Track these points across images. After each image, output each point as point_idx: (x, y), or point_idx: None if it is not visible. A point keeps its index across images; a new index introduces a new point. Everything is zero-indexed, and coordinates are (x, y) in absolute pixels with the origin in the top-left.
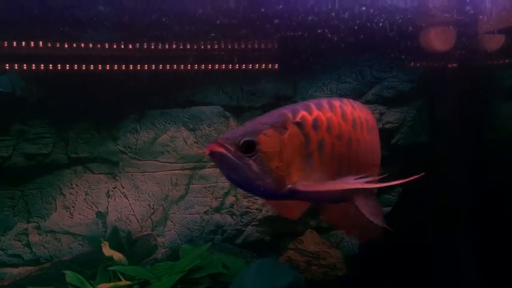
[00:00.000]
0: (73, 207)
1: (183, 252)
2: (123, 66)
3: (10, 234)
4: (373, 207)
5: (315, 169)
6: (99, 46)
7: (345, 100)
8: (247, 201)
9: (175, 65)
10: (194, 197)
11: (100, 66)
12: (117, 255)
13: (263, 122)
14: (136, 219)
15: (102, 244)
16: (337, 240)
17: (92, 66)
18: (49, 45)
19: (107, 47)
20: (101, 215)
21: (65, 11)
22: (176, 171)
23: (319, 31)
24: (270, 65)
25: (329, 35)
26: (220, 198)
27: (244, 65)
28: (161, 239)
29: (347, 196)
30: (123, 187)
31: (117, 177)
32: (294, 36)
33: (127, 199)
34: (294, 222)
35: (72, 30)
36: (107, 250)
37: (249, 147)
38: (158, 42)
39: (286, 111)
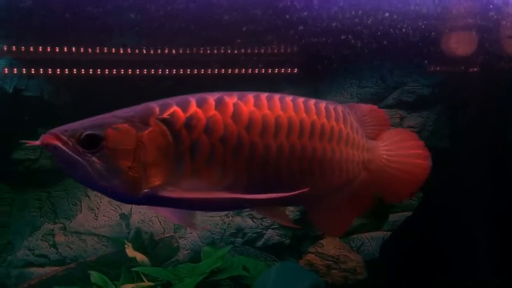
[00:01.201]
0: (98, 208)
1: (205, 254)
2: (152, 70)
3: (37, 235)
4: (278, 213)
5: (186, 174)
6: (128, 51)
7: (287, 98)
8: None
9: (202, 70)
10: None
11: (128, 70)
12: (140, 256)
13: (119, 115)
14: (159, 221)
15: (125, 245)
16: (357, 244)
17: (119, 70)
18: (77, 50)
19: (136, 52)
20: (124, 217)
21: (94, 17)
22: None
23: (342, 37)
24: (290, 70)
25: (352, 41)
26: None
27: (263, 70)
28: (183, 241)
29: (246, 205)
30: None
31: None
32: (316, 42)
33: None
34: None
35: (101, 35)
36: (130, 252)
37: (92, 142)
38: (185, 47)
39: (154, 104)
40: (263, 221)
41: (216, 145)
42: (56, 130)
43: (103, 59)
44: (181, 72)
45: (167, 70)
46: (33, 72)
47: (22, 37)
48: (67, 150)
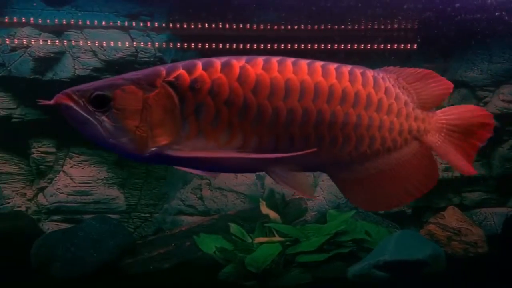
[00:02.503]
0: None
1: (330, 216)
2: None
3: (187, 188)
4: (290, 178)
5: (192, 135)
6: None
7: (302, 62)
8: None
9: (340, 45)
10: None
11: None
12: (272, 214)
13: (128, 77)
14: None
15: (260, 203)
16: (479, 218)
17: (259, 45)
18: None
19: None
20: (260, 178)
21: None
22: None
23: (473, 12)
24: (420, 46)
25: (484, 16)
26: None
27: (395, 45)
28: (311, 203)
29: (256, 166)
30: None
31: None
32: (447, 17)
33: None
34: (437, 198)
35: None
36: (264, 209)
37: (101, 102)
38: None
39: (162, 67)
40: None
41: (221, 107)
42: (68, 90)
43: (253, 35)
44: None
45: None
46: (185, 46)
47: (179, 14)
48: (78, 109)
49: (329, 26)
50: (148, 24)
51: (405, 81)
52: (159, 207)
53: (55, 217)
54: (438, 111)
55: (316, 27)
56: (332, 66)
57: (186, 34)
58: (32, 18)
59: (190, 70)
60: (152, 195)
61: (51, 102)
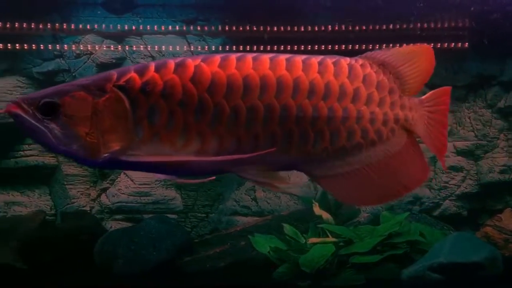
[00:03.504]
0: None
1: (383, 218)
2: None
3: (241, 189)
4: (261, 177)
5: (146, 139)
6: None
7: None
8: (446, 176)
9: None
10: None
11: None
12: (325, 215)
13: (77, 83)
14: None
15: (313, 204)
16: None
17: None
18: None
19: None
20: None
21: None
22: None
23: None
24: (476, 43)
25: None
26: None
27: (452, 44)
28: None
29: (220, 168)
30: None
31: None
32: (505, 13)
33: None
34: (493, 200)
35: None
36: (317, 210)
37: (50, 109)
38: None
39: (114, 71)
40: (441, 192)
41: (175, 109)
42: (19, 98)
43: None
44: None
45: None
46: (241, 48)
47: (232, 19)
48: (27, 117)
49: (389, 26)
50: (205, 28)
51: (392, 65)
52: (215, 207)
53: (117, 216)
54: (423, 97)
55: (376, 27)
56: (299, 58)
57: (240, 37)
58: (95, 25)
59: (141, 72)
60: (208, 196)
61: (2, 110)
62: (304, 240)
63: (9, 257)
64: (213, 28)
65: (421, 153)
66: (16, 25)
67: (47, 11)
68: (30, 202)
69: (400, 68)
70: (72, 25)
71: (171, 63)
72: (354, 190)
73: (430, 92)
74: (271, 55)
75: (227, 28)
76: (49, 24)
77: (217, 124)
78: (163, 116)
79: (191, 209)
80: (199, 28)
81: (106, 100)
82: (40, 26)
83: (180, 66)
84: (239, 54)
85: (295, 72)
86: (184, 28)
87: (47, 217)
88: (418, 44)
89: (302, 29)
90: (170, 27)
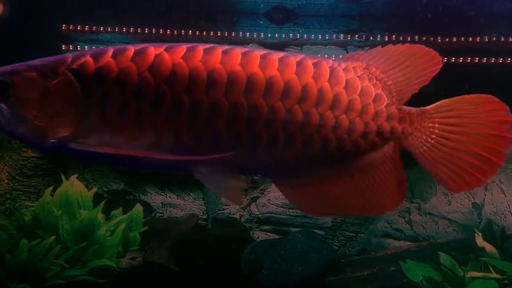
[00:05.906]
0: (451, 194)
1: None
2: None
3: (395, 211)
4: (217, 181)
5: (97, 128)
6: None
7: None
8: None
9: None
10: None
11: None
12: (489, 247)
13: (32, 63)
14: None
15: (475, 234)
16: None
17: None
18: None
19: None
20: (477, 207)
21: None
22: None
23: None
24: None
25: None
26: None
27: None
28: None
29: (176, 166)
30: (501, 182)
31: None
32: None
33: (504, 194)
34: None
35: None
36: (480, 241)
37: (0, 89)
38: None
39: (70, 54)
40: None
41: (129, 99)
42: None
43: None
44: None
45: None
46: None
47: (395, 30)
48: None
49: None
50: (367, 38)
51: (378, 70)
52: (365, 227)
53: (265, 227)
54: (428, 107)
55: None
56: (276, 56)
57: None
58: (255, 34)
59: (97, 57)
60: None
61: None
62: (463, 273)
63: (164, 257)
64: (371, 38)
65: (401, 173)
66: (182, 32)
67: (214, 21)
68: (185, 205)
69: (390, 73)
70: (239, 33)
71: (131, 50)
72: (320, 202)
73: (445, 100)
74: (244, 49)
75: (386, 39)
76: (219, 33)
77: (175, 118)
78: (116, 105)
79: (340, 226)
80: (357, 38)
81: (57, 84)
82: (203, 34)
83: (139, 54)
84: (208, 46)
85: (269, 71)
86: (347, 37)
87: (199, 221)
88: (408, 44)
89: (478, 39)
90: (331, 37)
